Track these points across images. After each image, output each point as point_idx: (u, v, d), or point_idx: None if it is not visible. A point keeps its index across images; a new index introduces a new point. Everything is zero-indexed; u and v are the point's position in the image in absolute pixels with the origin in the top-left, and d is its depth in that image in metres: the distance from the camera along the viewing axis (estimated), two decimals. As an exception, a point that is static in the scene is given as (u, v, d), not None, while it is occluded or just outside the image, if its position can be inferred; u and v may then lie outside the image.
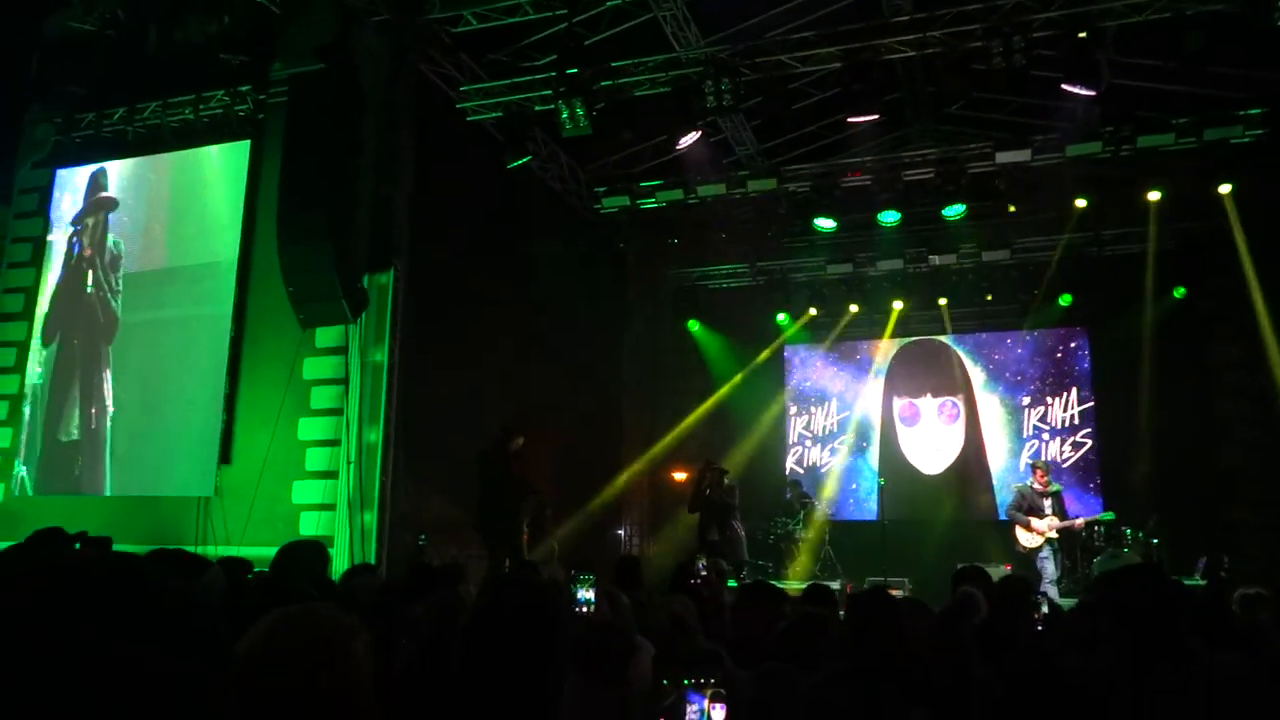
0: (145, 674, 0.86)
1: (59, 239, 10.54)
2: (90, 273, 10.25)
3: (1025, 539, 10.20)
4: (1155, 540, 10.85)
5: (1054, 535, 10.07)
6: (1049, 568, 9.97)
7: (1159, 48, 8.75)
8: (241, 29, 9.70)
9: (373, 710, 1.56)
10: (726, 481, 10.58)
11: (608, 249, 14.32)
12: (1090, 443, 13.93)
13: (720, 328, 15.72)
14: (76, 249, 10.40)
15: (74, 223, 10.49)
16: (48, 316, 10.30)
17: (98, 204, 10.42)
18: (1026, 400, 14.47)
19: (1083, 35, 8.39)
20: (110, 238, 10.27)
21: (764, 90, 10.00)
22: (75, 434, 9.81)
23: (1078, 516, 10.88)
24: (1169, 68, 8.97)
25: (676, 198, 12.63)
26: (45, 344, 10.21)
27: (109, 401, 9.73)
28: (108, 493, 9.54)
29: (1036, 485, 10.40)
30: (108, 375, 9.82)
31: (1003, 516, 14.00)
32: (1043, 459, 12.38)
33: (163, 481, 9.39)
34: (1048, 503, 10.23)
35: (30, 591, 0.88)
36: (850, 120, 10.09)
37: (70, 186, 10.62)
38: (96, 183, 10.48)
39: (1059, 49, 8.73)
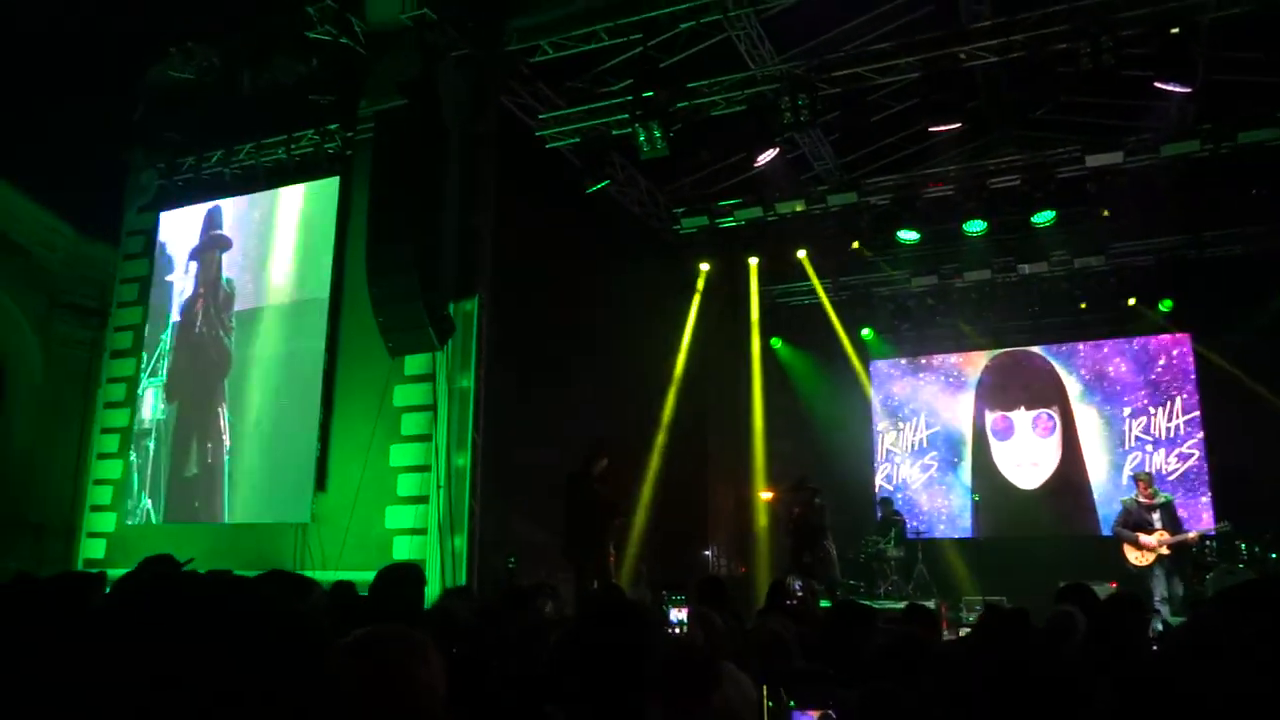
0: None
1: (170, 279, 11.00)
2: (204, 311, 10.65)
3: (1134, 557, 9.74)
4: (1274, 554, 10.27)
5: (1164, 551, 9.59)
6: (1159, 587, 9.50)
7: (1259, 38, 8.39)
8: (329, 70, 10.07)
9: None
10: (817, 501, 10.40)
11: (688, 269, 14.33)
12: (1197, 454, 13.31)
13: (804, 345, 15.55)
14: (194, 288, 10.78)
15: (191, 259, 10.87)
16: (170, 356, 10.66)
17: (212, 242, 10.80)
18: (1127, 411, 13.91)
19: (1175, 30, 8.09)
20: (223, 276, 10.66)
21: (841, 104, 9.91)
22: (195, 470, 10.14)
23: (1190, 530, 10.27)
24: (1270, 59, 8.57)
25: (756, 215, 12.59)
26: (169, 388, 10.56)
27: (226, 437, 10.05)
28: (225, 522, 9.87)
29: (1141, 499, 9.95)
30: (223, 411, 10.15)
31: (1105, 532, 13.51)
32: (1145, 470, 11.81)
33: (263, 509, 9.69)
34: (1156, 516, 9.74)
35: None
36: (931, 130, 9.92)
37: (174, 228, 11.11)
38: (212, 221, 10.84)
39: (1149, 46, 8.43)
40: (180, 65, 10.79)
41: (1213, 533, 10.05)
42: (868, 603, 7.38)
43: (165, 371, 10.66)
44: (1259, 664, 2.06)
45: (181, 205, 11.06)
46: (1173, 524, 9.75)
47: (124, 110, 11.27)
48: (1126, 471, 13.66)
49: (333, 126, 10.18)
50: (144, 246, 11.23)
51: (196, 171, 10.99)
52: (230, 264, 10.67)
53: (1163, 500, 9.95)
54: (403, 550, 8.72)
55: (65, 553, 10.61)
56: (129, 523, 10.30)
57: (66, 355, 12.54)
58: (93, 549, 10.41)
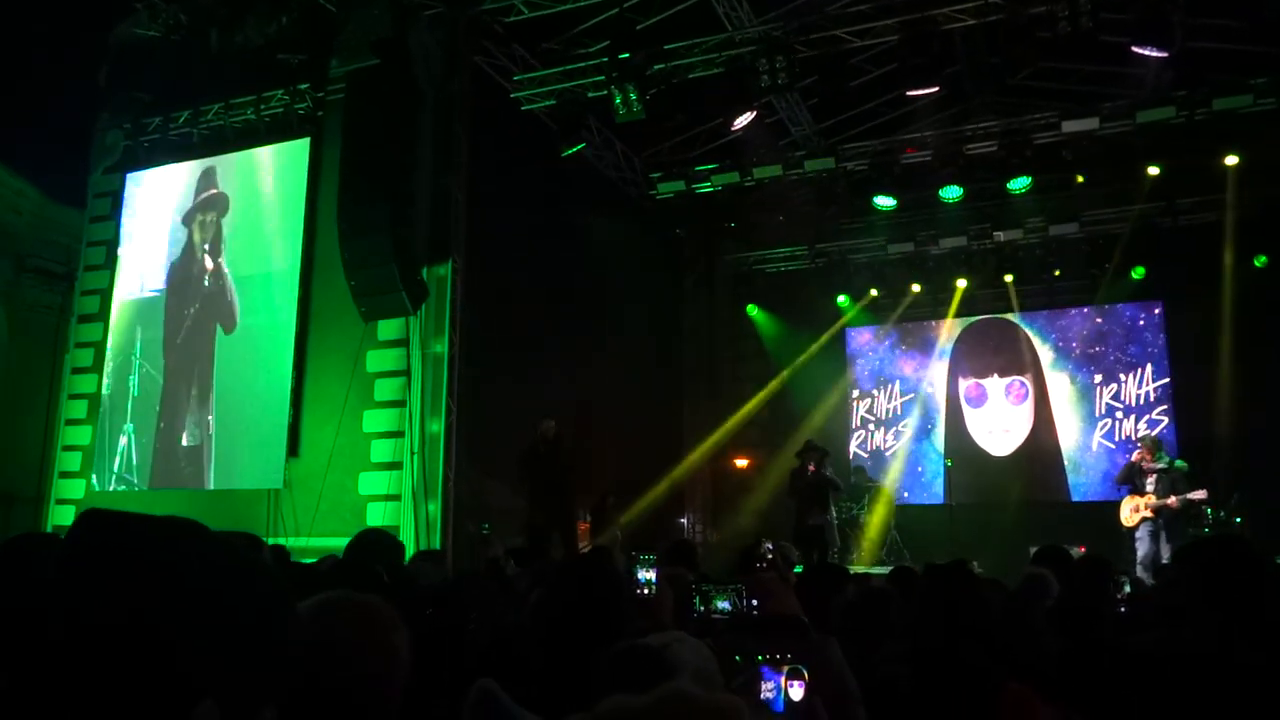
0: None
1: (142, 243, 10.76)
2: (198, 274, 10.32)
3: (1123, 516, 9.85)
4: (1238, 519, 10.43)
5: (1148, 514, 9.65)
6: (1141, 548, 9.59)
7: (1235, 5, 8.37)
8: (299, 28, 9.86)
9: (396, 700, 1.58)
10: (829, 470, 10.16)
11: (664, 235, 14.26)
12: (1166, 420, 13.47)
13: (780, 311, 15.54)
14: (184, 251, 10.45)
15: (184, 221, 10.50)
16: (162, 319, 10.38)
17: (208, 202, 10.43)
18: (1099, 378, 14.04)
19: (1153, -5, 8.06)
20: (221, 237, 10.28)
21: (820, 67, 9.83)
22: (184, 437, 9.92)
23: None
24: (1245, 26, 8.57)
25: (733, 181, 12.51)
26: (163, 353, 10.31)
27: (212, 404, 9.85)
28: (210, 488, 9.74)
29: (1142, 462, 9.91)
30: (212, 377, 9.92)
31: (1076, 498, 13.70)
32: (1150, 435, 11.66)
33: (237, 475, 9.61)
34: (1151, 480, 9.74)
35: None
36: (910, 94, 9.86)
37: (139, 190, 10.88)
38: (207, 180, 10.47)
39: (1127, 10, 8.39)
40: (147, 23, 10.53)
41: (1193, 499, 9.99)
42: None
43: (142, 339, 10.42)
44: (1202, 624, 2.08)
45: (148, 167, 10.85)
46: (1169, 490, 9.67)
47: (90, 69, 11.00)
48: (1096, 438, 13.82)
49: (303, 86, 10.00)
50: (110, 209, 11.02)
51: (164, 132, 10.77)
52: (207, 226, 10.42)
53: (1164, 465, 9.86)
54: (376, 517, 8.69)
55: (34, 521, 10.49)
56: (112, 489, 10.16)
57: (33, 320, 12.32)
58: (62, 516, 10.30)
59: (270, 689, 0.94)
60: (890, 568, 7.00)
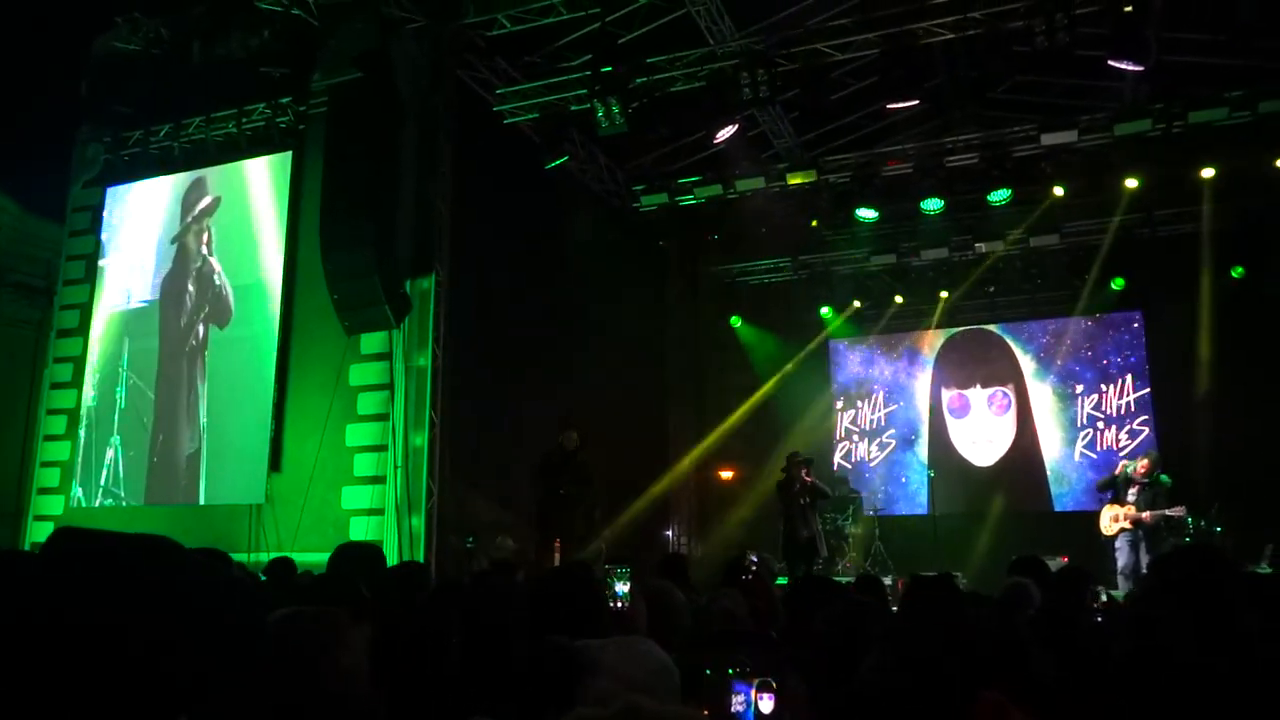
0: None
1: (124, 256, 10.70)
2: (186, 287, 10.28)
3: (1103, 525, 9.89)
4: (1219, 529, 10.50)
5: (1127, 525, 9.70)
6: (1121, 558, 9.63)
7: (1209, 20, 8.49)
8: (281, 42, 9.85)
9: (369, 697, 1.57)
10: (815, 479, 10.23)
11: (647, 247, 14.28)
12: (1147, 430, 13.58)
13: (763, 323, 15.60)
14: (174, 264, 10.41)
15: (179, 231, 10.45)
16: (161, 327, 10.30)
17: (202, 214, 10.39)
18: (1080, 388, 14.14)
19: (1128, 9, 8.16)
20: (210, 250, 10.25)
21: (801, 80, 9.89)
22: (173, 452, 9.83)
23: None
24: (1220, 40, 8.69)
25: (715, 193, 12.55)
26: (163, 352, 10.22)
27: (200, 418, 9.80)
28: (201, 502, 9.66)
29: (1134, 473, 9.89)
30: (200, 392, 9.87)
31: (1059, 508, 13.76)
32: (1153, 451, 11.56)
33: (218, 490, 9.53)
34: (1133, 491, 9.76)
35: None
36: (890, 107, 9.93)
37: (120, 204, 10.83)
38: (198, 191, 10.43)
39: (1104, 25, 8.50)
40: (127, 36, 10.51)
41: (1171, 514, 10.01)
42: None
43: (130, 350, 10.34)
44: (1179, 633, 2.10)
45: (128, 181, 10.79)
46: (1149, 504, 9.67)
47: (70, 82, 10.95)
48: (1079, 448, 13.90)
49: (285, 100, 9.99)
50: (90, 223, 10.95)
51: (144, 146, 10.73)
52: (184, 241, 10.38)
53: (1150, 479, 9.87)
54: (360, 531, 8.64)
55: (12, 537, 10.38)
56: (98, 504, 10.04)
57: (12, 335, 12.21)
58: (40, 532, 10.21)
59: (243, 703, 0.94)
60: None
